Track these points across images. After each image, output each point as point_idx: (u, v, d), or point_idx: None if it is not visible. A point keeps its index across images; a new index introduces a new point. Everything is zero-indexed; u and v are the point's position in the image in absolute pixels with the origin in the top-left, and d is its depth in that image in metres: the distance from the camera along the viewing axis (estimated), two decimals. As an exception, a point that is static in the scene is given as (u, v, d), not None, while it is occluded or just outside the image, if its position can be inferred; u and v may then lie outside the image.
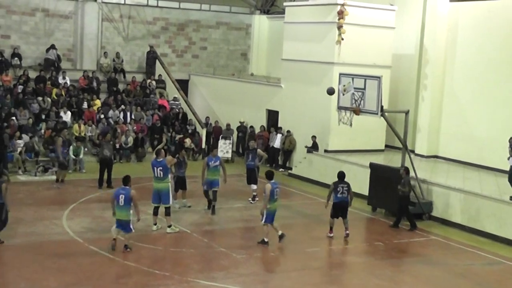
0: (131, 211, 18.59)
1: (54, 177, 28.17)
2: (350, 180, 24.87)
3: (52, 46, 36.00)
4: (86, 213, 22.76)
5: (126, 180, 18.86)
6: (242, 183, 26.96)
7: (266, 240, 20.01)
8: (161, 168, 20.95)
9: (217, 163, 23.64)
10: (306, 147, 31.15)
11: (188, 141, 34.02)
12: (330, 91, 24.85)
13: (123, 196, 18.44)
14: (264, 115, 35.13)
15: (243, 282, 17.12)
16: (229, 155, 33.46)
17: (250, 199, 25.67)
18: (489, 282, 18.42)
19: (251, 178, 25.61)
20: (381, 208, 25.19)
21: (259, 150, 26.47)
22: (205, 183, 23.67)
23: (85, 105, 33.98)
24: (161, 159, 21.12)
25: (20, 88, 33.27)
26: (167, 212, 21.01)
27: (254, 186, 25.61)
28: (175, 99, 37.35)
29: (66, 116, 32.62)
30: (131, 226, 18.68)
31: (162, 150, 21.85)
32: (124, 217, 18.51)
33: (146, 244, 19.55)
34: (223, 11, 42.13)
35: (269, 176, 20.09)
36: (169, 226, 21.02)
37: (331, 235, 21.34)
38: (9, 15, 35.88)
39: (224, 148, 33.12)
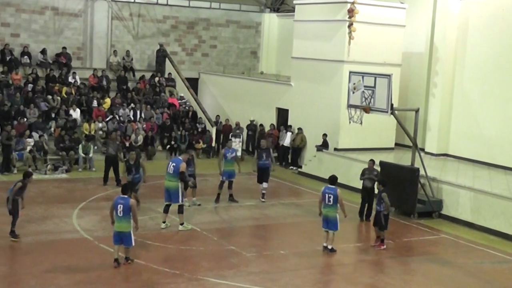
0: (131, 222, 17.32)
1: (64, 175, 28.29)
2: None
3: (43, 51, 35.99)
4: (96, 211, 22.78)
5: (125, 189, 17.63)
6: (252, 181, 26.99)
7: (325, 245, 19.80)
8: (174, 164, 21.06)
9: (233, 154, 24.82)
10: (316, 146, 31.11)
11: (199, 145, 34.20)
12: None
13: (122, 206, 17.09)
14: (274, 113, 35.11)
15: (253, 280, 17.12)
16: (239, 154, 33.46)
17: (262, 198, 25.70)
18: (499, 281, 18.36)
19: (264, 176, 25.64)
20: (391, 206, 25.11)
21: (271, 150, 26.51)
22: (224, 174, 24.52)
23: (94, 103, 34.05)
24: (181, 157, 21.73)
25: (30, 86, 33.35)
26: (180, 210, 21.03)
27: (265, 185, 25.65)
28: (181, 97, 37.43)
29: (76, 114, 32.73)
30: (132, 239, 17.34)
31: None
32: (124, 229, 17.17)
33: (157, 242, 19.57)
34: (233, 10, 42.10)
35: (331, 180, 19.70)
36: (181, 224, 21.05)
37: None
38: (18, 14, 35.95)
39: (234, 147, 33.05)
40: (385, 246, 20.31)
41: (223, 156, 24.57)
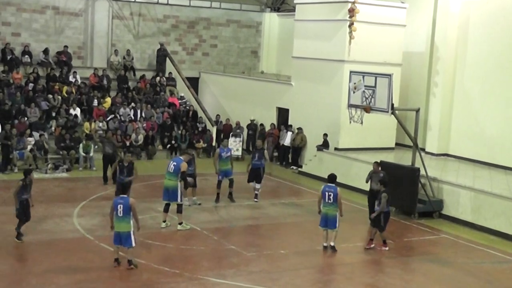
0: (132, 222, 17.13)
1: (65, 175, 28.30)
2: (361, 178, 24.91)
3: (45, 50, 35.95)
4: (96, 210, 22.77)
5: (124, 189, 17.61)
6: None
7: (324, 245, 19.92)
8: (174, 163, 21.06)
9: (229, 153, 24.79)
10: (317, 146, 31.08)
11: (200, 144, 34.18)
12: None
13: (122, 205, 16.93)
14: (274, 113, 35.09)
15: (253, 280, 17.12)
16: (239, 153, 33.51)
17: (255, 198, 25.61)
18: (499, 280, 18.37)
19: (256, 177, 25.56)
20: (391, 206, 25.04)
21: (265, 151, 26.40)
22: (220, 173, 24.55)
23: (95, 102, 34.06)
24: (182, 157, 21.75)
25: (30, 85, 33.35)
26: (179, 210, 21.03)
27: (257, 185, 25.58)
28: (182, 97, 37.44)
29: (76, 112, 32.72)
30: (132, 239, 17.10)
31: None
32: (124, 229, 16.98)
33: (157, 242, 19.58)
34: (233, 9, 42.09)
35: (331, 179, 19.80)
36: (180, 224, 21.05)
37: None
38: (19, 13, 35.95)
39: (234, 146, 33.14)
40: (387, 248, 20.25)
41: (218, 155, 24.60)
